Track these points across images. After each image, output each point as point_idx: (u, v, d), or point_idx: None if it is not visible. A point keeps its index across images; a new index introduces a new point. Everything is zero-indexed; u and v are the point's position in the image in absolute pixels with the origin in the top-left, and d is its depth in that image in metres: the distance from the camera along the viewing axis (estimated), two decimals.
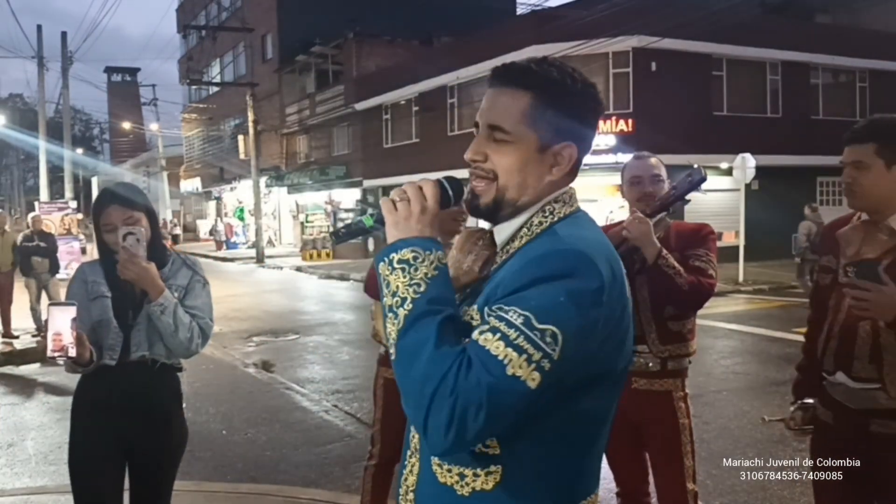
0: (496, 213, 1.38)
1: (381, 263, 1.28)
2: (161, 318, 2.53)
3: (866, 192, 2.21)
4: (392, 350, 1.24)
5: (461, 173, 1.46)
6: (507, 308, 1.20)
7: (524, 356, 1.16)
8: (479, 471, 1.28)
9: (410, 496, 1.38)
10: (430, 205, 1.32)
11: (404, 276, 1.24)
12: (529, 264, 1.25)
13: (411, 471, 1.39)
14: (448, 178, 1.40)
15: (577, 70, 1.39)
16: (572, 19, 18.40)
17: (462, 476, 1.30)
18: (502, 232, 1.39)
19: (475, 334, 1.21)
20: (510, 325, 1.18)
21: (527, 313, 1.18)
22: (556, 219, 1.35)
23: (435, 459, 1.33)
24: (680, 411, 2.80)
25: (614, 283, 1.26)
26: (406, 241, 1.28)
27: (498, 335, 1.18)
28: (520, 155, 1.34)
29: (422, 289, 1.23)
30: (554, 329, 1.17)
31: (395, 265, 1.26)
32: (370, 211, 1.45)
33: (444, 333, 1.20)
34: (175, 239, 36.23)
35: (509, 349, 1.16)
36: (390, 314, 1.24)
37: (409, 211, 1.31)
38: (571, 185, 1.42)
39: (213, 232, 35.67)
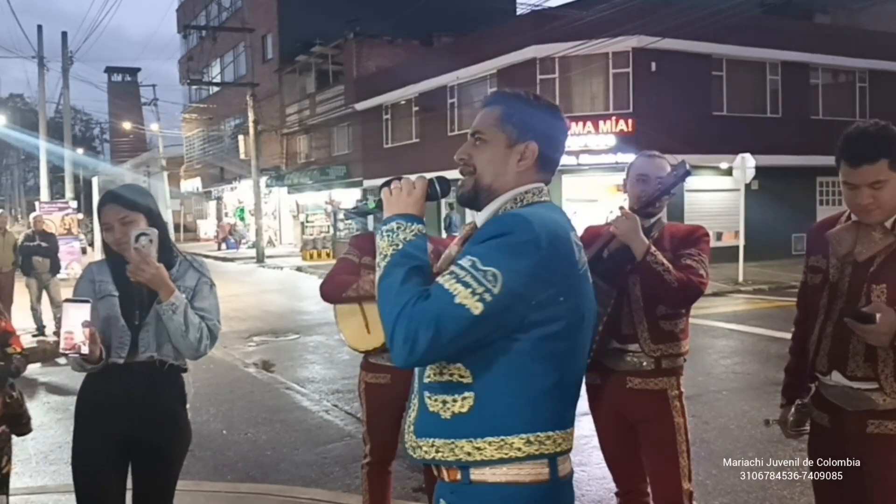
0: (476, 198, 1.76)
1: (378, 235, 1.65)
2: (172, 318, 2.53)
3: (887, 205, 2.20)
4: (375, 292, 1.60)
5: (458, 173, 1.78)
6: (462, 258, 1.58)
7: (469, 289, 1.51)
8: (456, 397, 1.61)
9: (412, 429, 1.70)
10: (417, 191, 1.69)
11: (389, 240, 1.62)
12: (482, 230, 1.64)
13: (414, 408, 1.71)
14: (439, 178, 1.74)
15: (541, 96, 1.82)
16: (572, 19, 18.38)
17: (444, 403, 1.62)
18: (480, 218, 1.77)
19: (438, 278, 1.56)
20: (462, 267, 1.54)
21: (474, 258, 1.55)
22: (524, 205, 1.70)
23: (426, 393, 1.66)
24: (675, 410, 2.79)
25: (555, 241, 1.59)
26: (394, 216, 1.66)
27: (452, 275, 1.54)
28: (493, 151, 1.74)
29: (399, 247, 1.61)
30: (494, 270, 1.52)
31: (384, 234, 1.63)
32: (372, 196, 1.86)
33: (409, 276, 1.56)
34: None
35: (458, 284, 1.52)
36: (378, 268, 1.62)
37: (400, 194, 1.69)
38: (543, 183, 1.76)
39: (232, 232, 33.65)
